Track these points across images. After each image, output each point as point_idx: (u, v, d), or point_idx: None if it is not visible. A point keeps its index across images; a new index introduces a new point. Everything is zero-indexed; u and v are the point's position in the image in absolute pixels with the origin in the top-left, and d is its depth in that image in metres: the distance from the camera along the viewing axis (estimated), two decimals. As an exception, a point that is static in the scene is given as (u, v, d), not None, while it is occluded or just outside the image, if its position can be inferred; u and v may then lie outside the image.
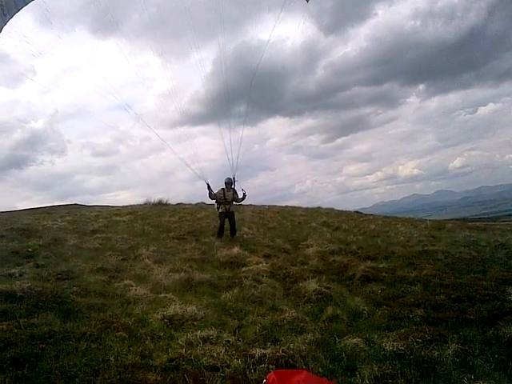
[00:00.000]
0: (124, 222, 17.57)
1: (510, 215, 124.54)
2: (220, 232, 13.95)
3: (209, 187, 13.67)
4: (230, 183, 13.90)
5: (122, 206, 26.05)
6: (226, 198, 13.90)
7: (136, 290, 7.55)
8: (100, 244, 12.24)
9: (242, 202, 14.88)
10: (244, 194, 14.10)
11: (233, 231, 14.26)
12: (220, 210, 13.96)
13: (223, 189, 13.92)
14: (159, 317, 6.22)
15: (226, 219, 14.17)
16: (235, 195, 14.09)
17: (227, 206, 13.93)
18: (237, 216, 15.49)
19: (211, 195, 13.78)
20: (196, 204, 27.43)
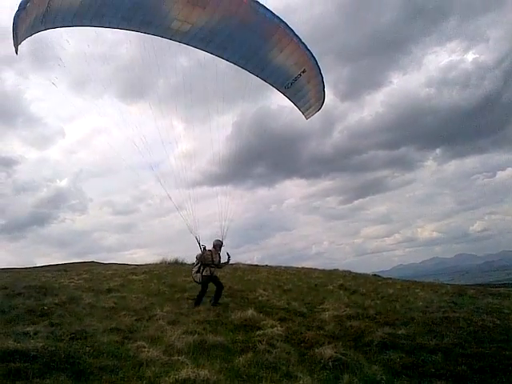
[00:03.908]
0: (139, 281, 17.57)
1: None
2: (199, 300, 12.74)
3: (204, 249, 12.85)
4: (220, 246, 13.12)
5: (138, 265, 26.11)
6: (214, 260, 12.95)
7: (149, 351, 7.45)
8: (115, 303, 12.21)
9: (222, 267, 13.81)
10: (229, 258, 13.26)
11: (219, 295, 13.07)
12: (204, 274, 12.74)
13: (211, 250, 13.04)
14: (171, 380, 6.11)
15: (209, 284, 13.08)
16: (220, 259, 13.23)
17: (212, 270, 12.88)
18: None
19: (201, 258, 12.80)
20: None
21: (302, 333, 9.77)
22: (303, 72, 11.10)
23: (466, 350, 8.61)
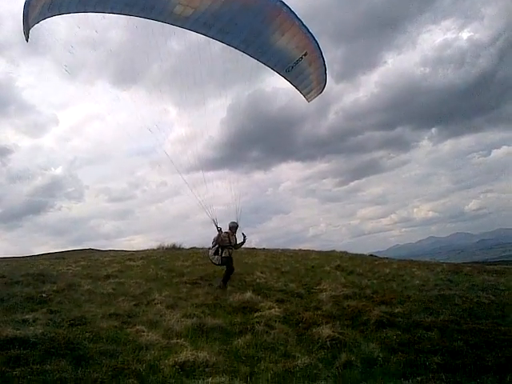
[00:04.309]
0: (137, 266, 17.61)
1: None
2: (227, 279, 13.38)
3: (221, 231, 13.20)
4: (235, 227, 13.49)
5: (136, 251, 26.16)
6: (231, 242, 13.41)
7: (148, 335, 7.52)
8: (113, 289, 12.26)
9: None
10: (244, 238, 13.66)
11: (229, 277, 13.66)
12: (224, 255, 13.23)
13: (227, 233, 13.42)
14: (171, 363, 6.18)
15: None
16: (236, 240, 13.67)
17: (230, 251, 13.36)
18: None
19: (218, 240, 13.23)
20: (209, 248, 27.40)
21: (299, 313, 9.86)
22: (305, 55, 11.02)
23: (461, 327, 8.72)
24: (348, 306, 10.82)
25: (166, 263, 18.65)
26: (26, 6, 8.29)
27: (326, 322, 8.73)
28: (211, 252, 13.40)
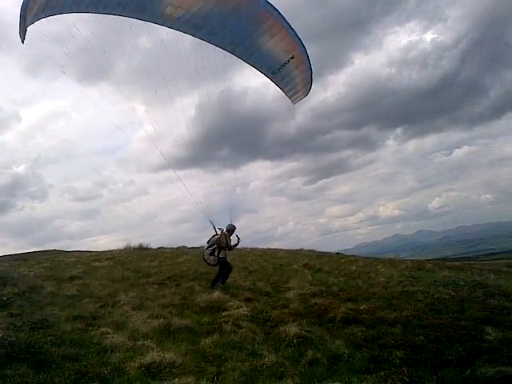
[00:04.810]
0: (103, 267, 17.28)
1: (489, 254, 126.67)
2: (225, 279, 13.65)
3: (222, 232, 13.62)
4: (233, 230, 13.89)
5: (102, 251, 25.67)
6: (228, 243, 13.82)
7: (113, 337, 7.38)
8: (77, 291, 11.96)
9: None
10: (238, 240, 14.08)
11: (226, 277, 13.96)
12: (221, 256, 13.61)
13: (225, 234, 13.79)
14: (136, 365, 6.09)
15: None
16: (231, 242, 14.09)
17: (226, 252, 13.79)
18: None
19: (217, 241, 13.58)
20: (177, 248, 27.18)
21: (267, 312, 9.93)
22: (291, 58, 11.29)
23: (423, 322, 9.00)
24: (315, 303, 10.98)
25: (132, 264, 18.39)
26: (24, 9, 8.34)
27: (293, 320, 8.82)
28: (207, 253, 13.69)
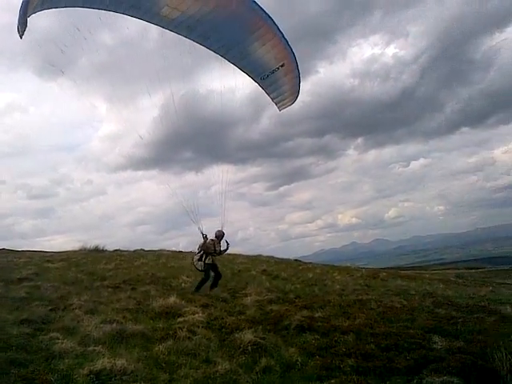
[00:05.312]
0: (56, 268, 16.75)
1: (440, 264, 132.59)
2: (200, 286, 13.72)
3: (206, 238, 13.68)
4: (222, 236, 13.93)
5: (56, 252, 24.85)
6: (216, 249, 13.91)
7: (63, 343, 7.14)
8: (27, 293, 11.51)
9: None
10: (227, 245, 14.13)
11: (216, 283, 14.14)
12: (207, 262, 13.74)
13: (213, 240, 13.89)
14: (85, 372, 5.92)
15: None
16: (220, 247, 14.18)
17: (213, 258, 13.87)
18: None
19: (203, 246, 13.69)
20: (134, 251, 26.63)
21: (223, 318, 9.87)
22: (281, 66, 11.52)
23: (375, 330, 9.22)
24: (271, 310, 11.04)
25: (87, 266, 17.91)
26: (25, 4, 8.22)
27: (249, 327, 8.82)
28: (196, 258, 13.86)
